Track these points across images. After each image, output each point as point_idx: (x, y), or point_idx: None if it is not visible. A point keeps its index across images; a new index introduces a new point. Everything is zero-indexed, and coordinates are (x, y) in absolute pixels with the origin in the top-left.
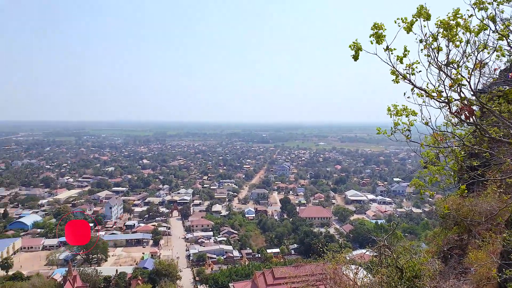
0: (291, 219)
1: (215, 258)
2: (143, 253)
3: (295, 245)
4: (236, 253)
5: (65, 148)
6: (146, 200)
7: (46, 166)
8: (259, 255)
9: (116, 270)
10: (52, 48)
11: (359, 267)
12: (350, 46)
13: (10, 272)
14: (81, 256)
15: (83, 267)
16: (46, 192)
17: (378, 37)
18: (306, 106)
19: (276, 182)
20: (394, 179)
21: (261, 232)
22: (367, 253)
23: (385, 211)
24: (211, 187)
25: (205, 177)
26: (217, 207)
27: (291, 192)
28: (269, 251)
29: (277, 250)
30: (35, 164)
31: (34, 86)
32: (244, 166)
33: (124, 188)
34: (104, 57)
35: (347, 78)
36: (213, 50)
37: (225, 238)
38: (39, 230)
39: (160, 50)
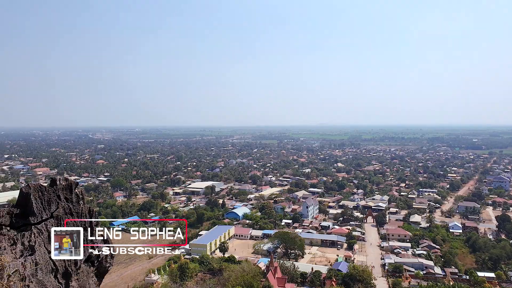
0: (511, 241)
1: (413, 271)
2: (337, 255)
3: None
4: (437, 270)
5: (269, 150)
6: (341, 203)
7: (254, 165)
8: (467, 276)
9: (312, 268)
10: (267, 60)
11: None
12: None
13: (226, 255)
14: (281, 249)
15: (282, 260)
16: (253, 188)
17: None
18: None
19: (491, 196)
20: None
21: (470, 251)
22: None
23: None
24: (409, 196)
25: (403, 184)
26: (415, 218)
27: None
28: (480, 274)
29: (491, 274)
30: (245, 163)
31: (250, 98)
32: (448, 174)
33: (319, 190)
34: (312, 67)
35: None
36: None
37: (424, 252)
38: (247, 221)
39: (357, 53)
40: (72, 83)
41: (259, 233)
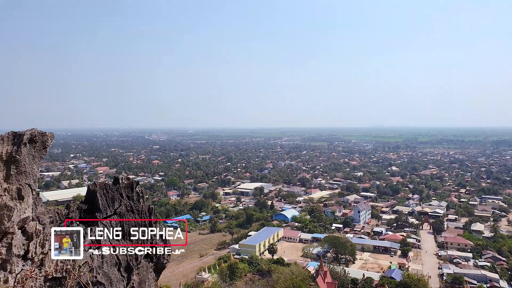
0: None
1: (475, 284)
2: (391, 262)
3: None
4: (503, 284)
5: (319, 152)
6: (395, 208)
7: (303, 168)
8: None
9: (363, 274)
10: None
11: None
12: None
13: (275, 256)
14: (331, 254)
15: (332, 265)
16: (302, 191)
17: None
18: None
19: None
20: None
21: None
22: None
23: None
24: (470, 202)
25: (463, 190)
26: (477, 226)
27: None
28: None
29: None
30: (294, 165)
31: (299, 100)
32: None
33: (372, 194)
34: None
35: None
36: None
37: (488, 264)
38: (296, 223)
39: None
40: (129, 86)
41: (308, 236)
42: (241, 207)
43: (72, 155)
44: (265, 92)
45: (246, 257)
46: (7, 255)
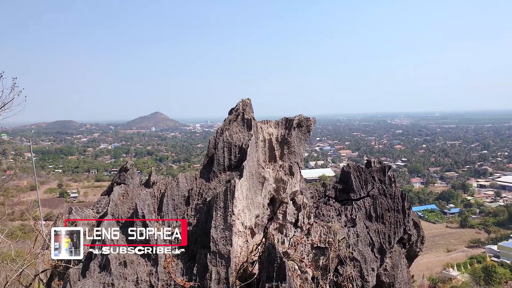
0: None
1: None
2: None
3: None
4: None
5: None
6: None
7: None
8: None
9: None
10: None
11: None
12: None
13: None
14: None
15: None
16: None
17: None
18: None
19: None
20: None
21: None
22: None
23: None
24: None
25: None
26: None
27: None
28: None
29: None
30: None
31: None
32: None
33: None
34: None
35: None
36: None
37: None
38: None
39: None
40: (378, 72)
41: None
42: (502, 203)
43: (318, 138)
44: None
45: (508, 261)
46: (283, 221)
